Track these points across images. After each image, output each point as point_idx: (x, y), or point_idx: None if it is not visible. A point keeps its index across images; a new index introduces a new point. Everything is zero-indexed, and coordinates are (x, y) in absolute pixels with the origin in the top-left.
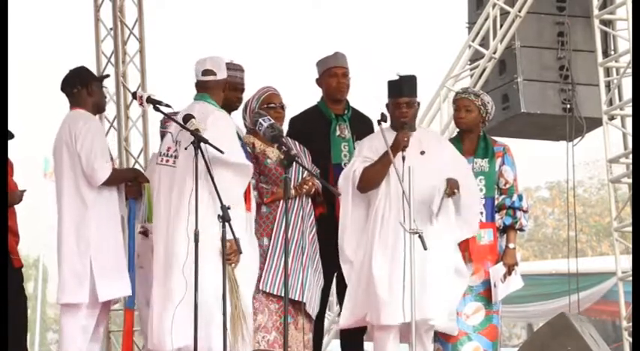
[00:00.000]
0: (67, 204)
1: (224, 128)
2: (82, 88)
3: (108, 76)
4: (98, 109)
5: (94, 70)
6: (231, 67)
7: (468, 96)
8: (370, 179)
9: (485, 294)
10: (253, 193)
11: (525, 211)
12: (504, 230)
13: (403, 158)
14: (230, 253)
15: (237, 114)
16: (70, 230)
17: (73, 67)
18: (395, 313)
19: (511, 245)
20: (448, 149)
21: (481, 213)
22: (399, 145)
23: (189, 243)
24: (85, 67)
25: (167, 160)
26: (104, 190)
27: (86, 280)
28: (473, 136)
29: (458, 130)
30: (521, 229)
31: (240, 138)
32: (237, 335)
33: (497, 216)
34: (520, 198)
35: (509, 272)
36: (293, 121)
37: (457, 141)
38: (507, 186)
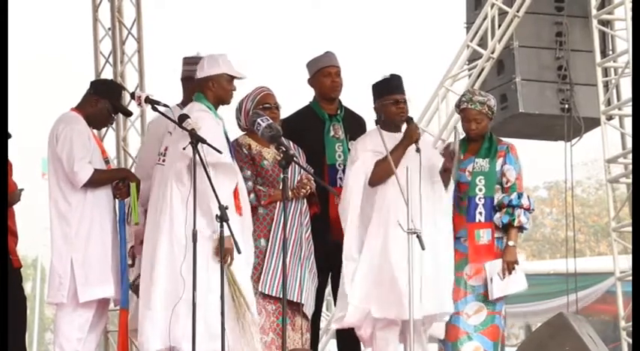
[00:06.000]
0: (54, 204)
1: (208, 126)
2: (94, 95)
3: (129, 113)
4: (91, 121)
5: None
6: None
7: (475, 106)
8: (383, 173)
9: (487, 294)
10: (250, 196)
11: (527, 209)
12: (506, 229)
13: (418, 150)
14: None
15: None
16: (56, 231)
17: (116, 82)
18: (421, 307)
19: (511, 243)
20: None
21: (480, 213)
22: (412, 138)
23: (171, 245)
24: (120, 88)
25: (163, 160)
26: (90, 191)
27: (66, 280)
28: (479, 136)
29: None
30: (521, 227)
31: (227, 138)
32: (249, 339)
33: (497, 214)
34: (520, 196)
35: (508, 270)
36: (286, 121)
37: (464, 141)
38: (509, 184)
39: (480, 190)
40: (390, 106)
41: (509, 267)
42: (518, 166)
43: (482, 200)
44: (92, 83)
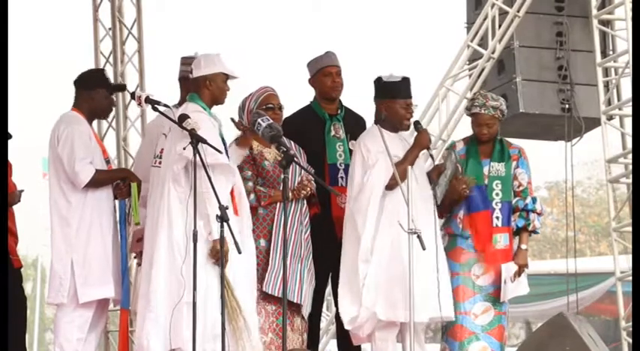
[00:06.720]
0: (54, 205)
1: (206, 127)
2: (83, 90)
3: (124, 86)
4: (95, 115)
5: None
6: None
7: (488, 111)
8: (400, 177)
9: (495, 294)
10: (250, 197)
11: (539, 214)
12: (517, 232)
13: (432, 156)
14: (215, 253)
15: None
16: (56, 231)
17: (94, 69)
18: (430, 309)
19: (523, 246)
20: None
21: (497, 217)
22: (424, 143)
23: (170, 247)
24: (101, 71)
25: (160, 163)
26: (91, 192)
27: (66, 280)
28: (489, 140)
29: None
30: (534, 231)
31: (223, 138)
32: (241, 343)
33: (511, 217)
34: (534, 200)
35: (519, 273)
36: (286, 121)
37: (474, 144)
38: (521, 188)
39: (497, 194)
40: (400, 109)
41: (520, 270)
42: (529, 170)
43: (500, 205)
44: (75, 82)
